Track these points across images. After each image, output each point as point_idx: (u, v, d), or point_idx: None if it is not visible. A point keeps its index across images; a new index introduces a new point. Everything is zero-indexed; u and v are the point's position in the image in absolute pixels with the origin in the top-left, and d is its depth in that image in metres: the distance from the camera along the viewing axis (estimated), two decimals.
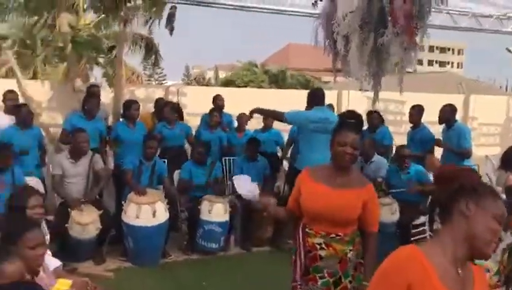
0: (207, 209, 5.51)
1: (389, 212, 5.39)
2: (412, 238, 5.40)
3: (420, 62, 61.12)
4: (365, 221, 2.68)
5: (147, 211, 5.11)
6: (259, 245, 5.90)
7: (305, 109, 5.51)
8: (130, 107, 6.24)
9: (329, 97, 9.39)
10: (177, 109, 6.92)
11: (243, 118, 7.17)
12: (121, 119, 6.49)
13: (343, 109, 9.44)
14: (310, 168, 2.84)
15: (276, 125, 7.37)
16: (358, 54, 3.53)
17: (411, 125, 6.66)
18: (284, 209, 2.95)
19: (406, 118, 6.88)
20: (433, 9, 3.79)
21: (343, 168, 2.68)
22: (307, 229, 2.69)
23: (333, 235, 2.63)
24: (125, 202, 5.29)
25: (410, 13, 3.26)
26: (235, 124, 7.39)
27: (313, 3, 4.30)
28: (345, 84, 11.76)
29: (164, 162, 6.04)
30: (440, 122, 6.33)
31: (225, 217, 5.59)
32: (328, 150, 5.04)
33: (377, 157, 6.05)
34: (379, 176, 5.85)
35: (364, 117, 3.38)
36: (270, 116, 6.41)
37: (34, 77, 11.77)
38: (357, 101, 9.46)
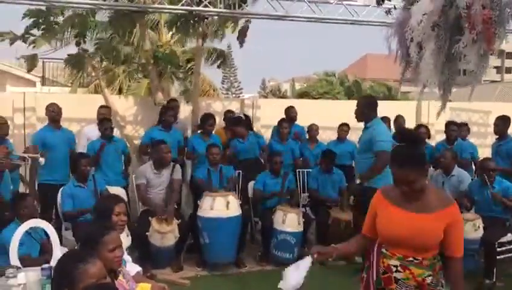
0: (281, 219, 5.53)
1: (472, 228, 5.09)
2: (498, 257, 5.10)
3: (508, 70, 57.38)
4: (448, 246, 2.44)
5: (221, 203, 5.28)
6: (334, 259, 5.80)
7: (360, 120, 5.01)
8: (205, 121, 6.49)
9: (408, 108, 9.15)
10: (246, 121, 7.02)
11: (313, 129, 7.14)
12: (198, 132, 6.72)
13: (423, 121, 9.13)
14: (385, 189, 2.64)
15: (351, 136, 7.29)
16: (432, 60, 3.39)
17: (496, 137, 6.30)
18: (354, 241, 2.76)
19: (491, 129, 6.52)
20: None
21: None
22: (383, 250, 2.54)
23: (411, 259, 2.45)
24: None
25: (490, 18, 3.08)
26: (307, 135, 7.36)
27: (386, 11, 4.19)
28: (424, 95, 11.35)
29: (238, 173, 6.20)
30: None
31: (299, 228, 5.57)
32: None
33: (457, 171, 5.77)
34: (462, 190, 5.58)
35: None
36: (379, 169, 4.75)
37: (119, 92, 12.51)
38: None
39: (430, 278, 2.44)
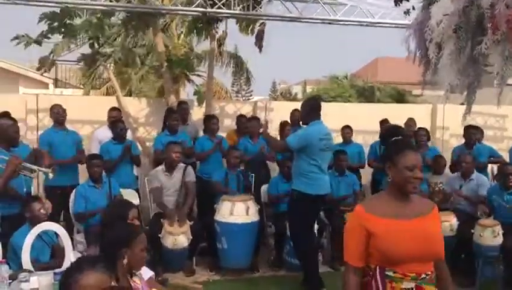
0: None
1: (491, 235, 4.97)
2: None
3: None
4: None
5: (241, 208, 5.24)
6: None
7: (303, 121, 5.06)
8: (208, 121, 6.46)
9: (423, 111, 9.02)
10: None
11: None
12: (201, 133, 6.67)
13: (439, 124, 9.00)
14: (364, 205, 2.36)
15: (356, 138, 7.22)
16: (451, 62, 3.27)
17: None
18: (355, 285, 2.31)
19: (508, 133, 6.40)
20: None
21: (404, 195, 2.31)
22: (388, 273, 2.23)
23: (423, 276, 2.23)
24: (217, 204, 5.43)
25: None
26: None
27: (404, 12, 4.11)
28: (438, 98, 11.20)
29: (252, 176, 6.12)
30: None
31: None
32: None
33: (476, 175, 5.66)
34: (482, 195, 5.46)
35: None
36: (272, 146, 5.54)
37: (130, 94, 12.52)
38: (453, 115, 8.92)
39: None
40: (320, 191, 4.84)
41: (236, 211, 5.22)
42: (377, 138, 7.41)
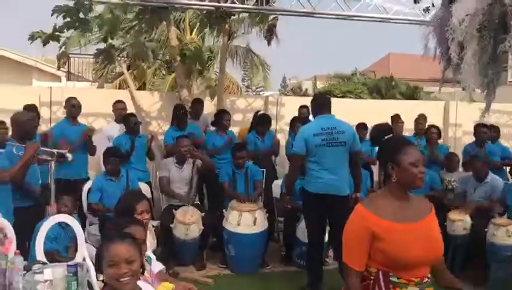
0: (305, 232, 5.14)
1: (505, 234, 4.92)
2: None
3: None
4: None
5: (248, 219, 5.21)
6: None
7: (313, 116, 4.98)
8: (221, 117, 6.42)
9: (436, 109, 8.95)
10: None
11: None
12: (212, 128, 6.66)
13: (451, 122, 8.93)
14: (366, 205, 2.23)
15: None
16: (475, 61, 3.23)
17: None
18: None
19: None
20: None
21: (406, 194, 2.25)
22: (393, 279, 2.15)
23: (426, 280, 2.20)
24: (226, 210, 5.40)
25: None
26: None
27: (424, 10, 4.05)
28: (451, 95, 11.09)
29: (263, 172, 6.09)
30: None
31: (324, 239, 5.38)
32: (342, 166, 4.59)
33: (491, 177, 5.54)
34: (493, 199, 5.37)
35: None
36: (289, 178, 4.94)
37: (143, 88, 12.56)
38: (466, 112, 8.85)
39: None
40: (318, 190, 4.50)
41: (244, 221, 5.19)
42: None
